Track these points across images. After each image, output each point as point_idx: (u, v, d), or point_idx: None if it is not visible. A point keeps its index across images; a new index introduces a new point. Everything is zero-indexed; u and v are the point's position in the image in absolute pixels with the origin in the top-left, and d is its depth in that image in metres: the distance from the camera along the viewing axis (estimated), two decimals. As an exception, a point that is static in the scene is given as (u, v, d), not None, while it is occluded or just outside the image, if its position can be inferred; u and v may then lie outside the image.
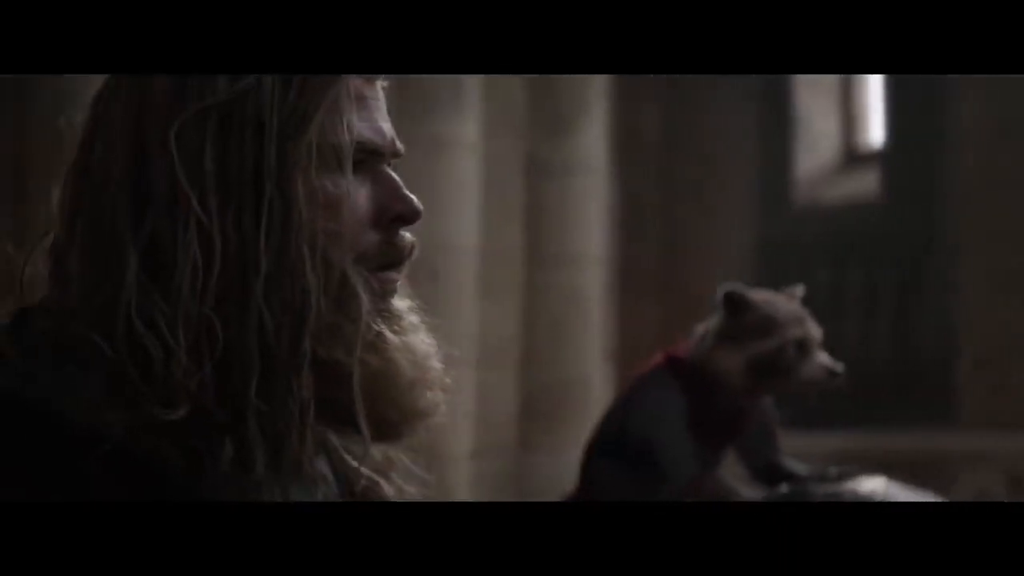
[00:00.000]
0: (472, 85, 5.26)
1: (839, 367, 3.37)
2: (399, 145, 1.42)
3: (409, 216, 1.39)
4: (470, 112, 5.25)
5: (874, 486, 3.26)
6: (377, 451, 1.50)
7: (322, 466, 1.45)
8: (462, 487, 5.26)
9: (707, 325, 3.47)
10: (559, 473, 4.18)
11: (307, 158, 1.31)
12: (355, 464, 1.47)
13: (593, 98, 6.26)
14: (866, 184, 12.32)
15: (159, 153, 1.29)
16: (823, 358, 3.38)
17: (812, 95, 12.70)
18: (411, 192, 1.41)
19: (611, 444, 3.42)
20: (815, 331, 3.40)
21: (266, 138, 1.30)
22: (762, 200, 12.45)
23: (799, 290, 3.48)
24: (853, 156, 13.12)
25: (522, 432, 5.87)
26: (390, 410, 1.37)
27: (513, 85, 5.93)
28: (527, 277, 6.06)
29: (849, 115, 13.11)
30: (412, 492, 1.56)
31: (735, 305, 3.36)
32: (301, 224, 1.31)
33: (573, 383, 5.29)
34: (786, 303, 3.43)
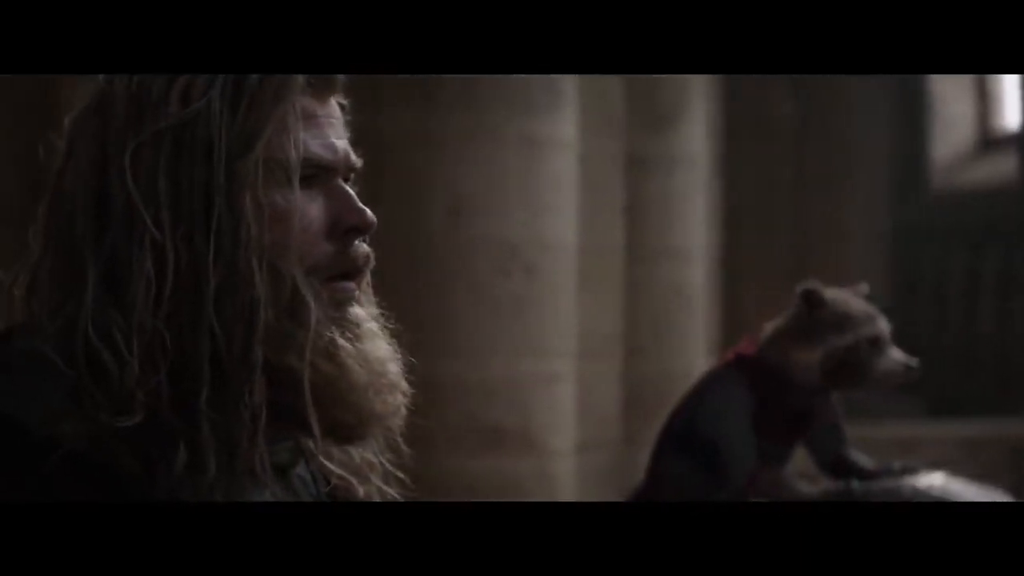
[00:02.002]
0: (568, 84, 5.28)
1: (914, 362, 3.38)
2: (354, 159, 1.49)
3: (362, 227, 1.46)
4: (566, 111, 5.28)
5: (932, 481, 3.28)
6: (355, 454, 1.57)
7: (301, 470, 1.52)
8: (567, 482, 5.30)
9: (776, 324, 3.50)
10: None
11: (255, 175, 1.39)
12: (331, 467, 1.54)
13: (693, 94, 6.27)
14: (1002, 168, 12.14)
15: (118, 175, 1.38)
16: (897, 353, 3.40)
17: (946, 80, 12.53)
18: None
19: (679, 441, 3.46)
20: (887, 327, 3.42)
21: (215, 157, 1.38)
22: (897, 186, 12.34)
23: (864, 287, 3.50)
24: (989, 140, 12.94)
25: (626, 427, 5.90)
26: (345, 413, 1.44)
27: (610, 83, 5.96)
28: (629, 272, 6.08)
29: (984, 99, 12.93)
30: (392, 494, 1.62)
31: (813, 302, 3.40)
32: (250, 238, 1.38)
33: (677, 377, 5.30)
34: (858, 301, 3.46)
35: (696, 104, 6.34)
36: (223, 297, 1.37)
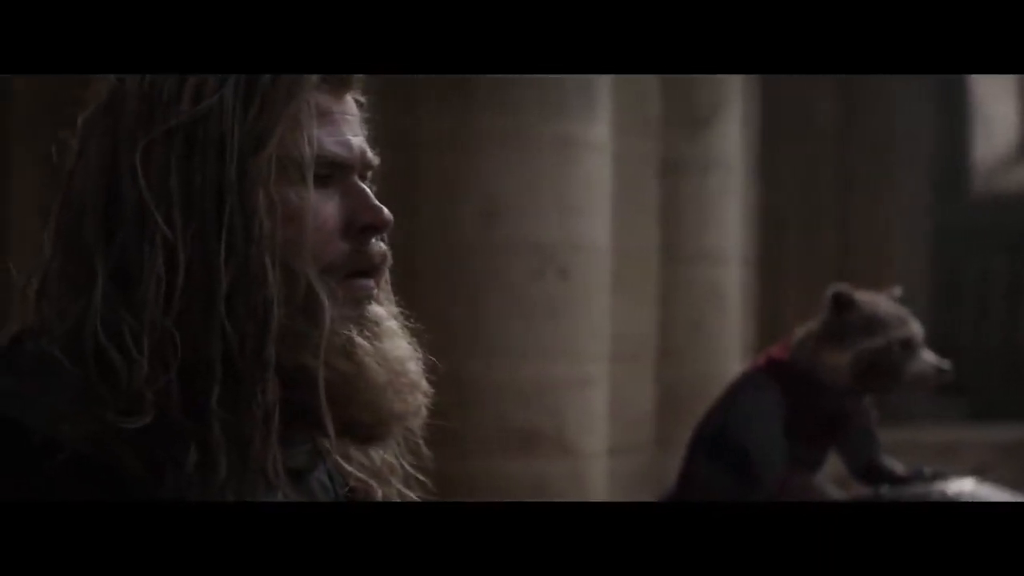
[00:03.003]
0: (603, 85, 5.27)
1: (946, 364, 3.36)
2: (371, 157, 1.47)
3: (378, 225, 1.44)
4: (601, 112, 5.26)
5: (962, 487, 3.25)
6: (375, 456, 1.55)
7: (321, 474, 1.51)
8: (599, 485, 5.28)
9: (807, 326, 3.48)
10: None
11: (267, 172, 1.37)
12: (349, 468, 1.53)
13: (730, 95, 6.24)
14: (1044, 171, 12.07)
15: (129, 173, 1.36)
16: (930, 356, 3.38)
17: (988, 81, 12.46)
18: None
19: (710, 444, 3.45)
20: (918, 330, 3.40)
21: (227, 154, 1.36)
22: (938, 188, 12.26)
23: (897, 291, 3.48)
24: (1030, 143, 12.85)
25: (659, 430, 5.88)
26: (363, 412, 1.42)
27: (646, 84, 5.94)
28: (664, 274, 6.05)
29: (1025, 101, 12.83)
30: (412, 497, 1.61)
31: (842, 304, 3.38)
32: (262, 236, 1.37)
33: (711, 380, 5.27)
34: (889, 303, 3.44)
35: (732, 105, 6.31)
36: (235, 296, 1.36)
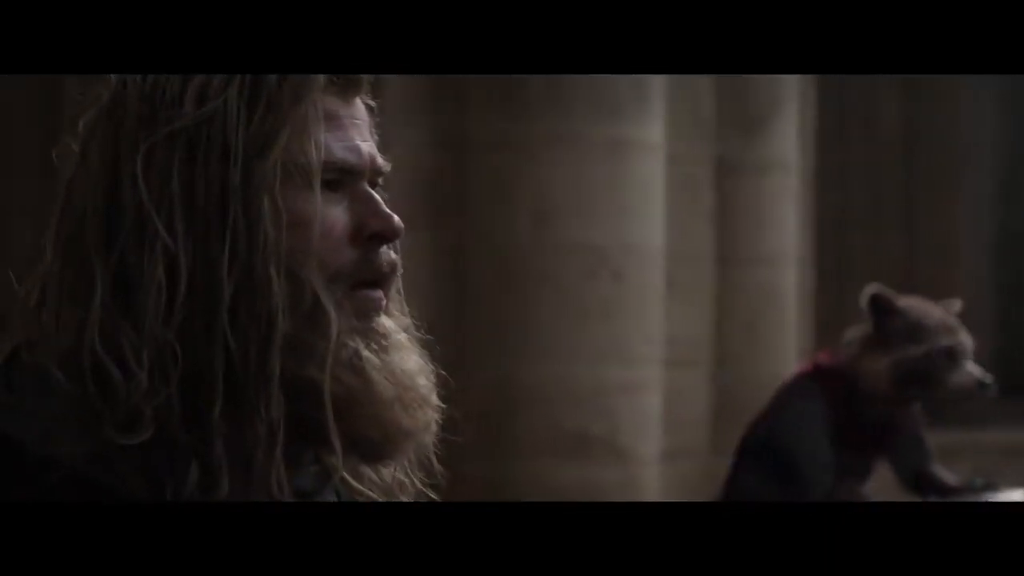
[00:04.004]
0: (656, 86, 5.22)
1: (988, 378, 3.30)
2: (381, 162, 1.42)
3: (387, 234, 1.39)
4: (655, 113, 5.21)
5: (1014, 497, 3.19)
6: (386, 473, 1.50)
7: (329, 495, 1.46)
8: (652, 491, 5.23)
9: (855, 331, 3.42)
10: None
11: (272, 178, 1.33)
12: (358, 486, 1.47)
13: (786, 96, 6.17)
14: (1112, 172, 11.90)
15: (129, 178, 1.32)
16: (973, 368, 3.32)
17: (1055, 82, 12.31)
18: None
19: (756, 453, 3.42)
20: (966, 341, 3.33)
21: (231, 159, 1.32)
22: (1006, 191, 12.12)
23: (957, 304, 3.41)
24: (1099, 144, 12.68)
25: (714, 435, 5.81)
26: (370, 428, 1.37)
27: (700, 85, 5.88)
28: (719, 277, 5.99)
29: (1094, 101, 12.67)
30: None
31: (880, 307, 3.32)
32: (267, 244, 1.32)
33: (766, 385, 5.19)
34: (938, 312, 3.38)
35: (789, 106, 6.23)
36: (238, 306, 1.31)
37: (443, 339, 4.38)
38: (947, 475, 3.48)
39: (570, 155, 5.08)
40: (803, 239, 6.61)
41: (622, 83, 5.10)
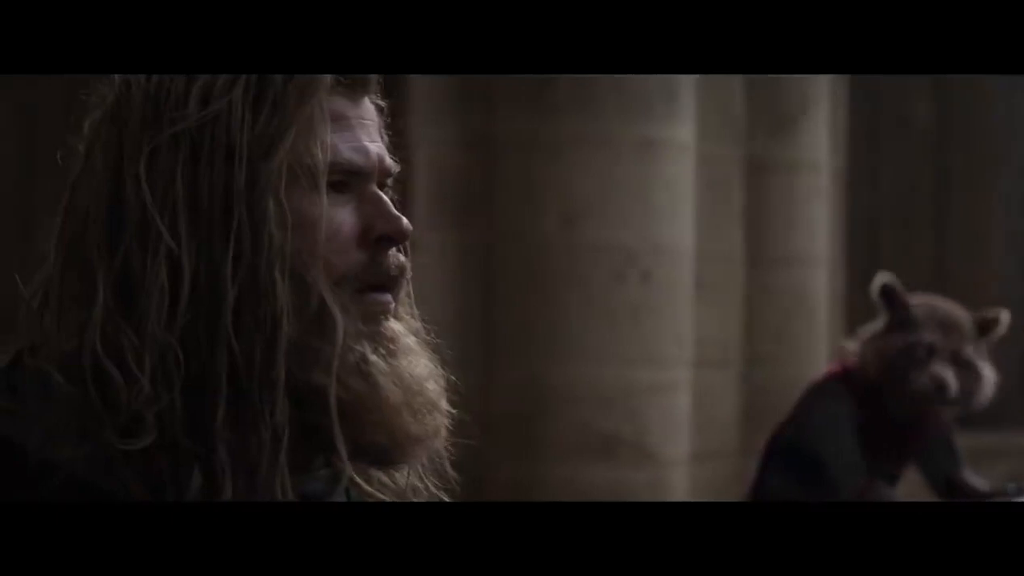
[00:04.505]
0: (685, 86, 5.18)
1: (953, 389, 3.22)
2: (389, 163, 1.39)
3: (396, 236, 1.36)
4: (684, 113, 5.18)
5: None
6: (398, 477, 1.48)
7: (338, 499, 1.44)
8: (681, 493, 5.20)
9: (868, 329, 3.40)
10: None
11: (278, 179, 1.31)
12: (370, 490, 1.45)
13: (817, 96, 6.13)
14: None
15: (132, 180, 1.30)
16: (941, 370, 3.25)
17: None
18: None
19: (784, 455, 3.39)
20: (958, 344, 3.26)
21: (235, 160, 1.30)
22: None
23: (1005, 316, 3.34)
24: None
25: (743, 437, 5.78)
26: (377, 434, 1.35)
27: (730, 84, 5.84)
28: (749, 278, 5.96)
29: None
30: None
31: (891, 297, 3.29)
32: (272, 247, 1.30)
33: (797, 387, 5.16)
34: (945, 310, 3.32)
35: (820, 105, 6.20)
36: (243, 309, 1.29)
37: (470, 340, 4.37)
38: (978, 481, 3.44)
39: (599, 155, 5.06)
40: (834, 239, 6.57)
41: (652, 82, 5.07)
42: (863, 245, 8.66)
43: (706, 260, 5.53)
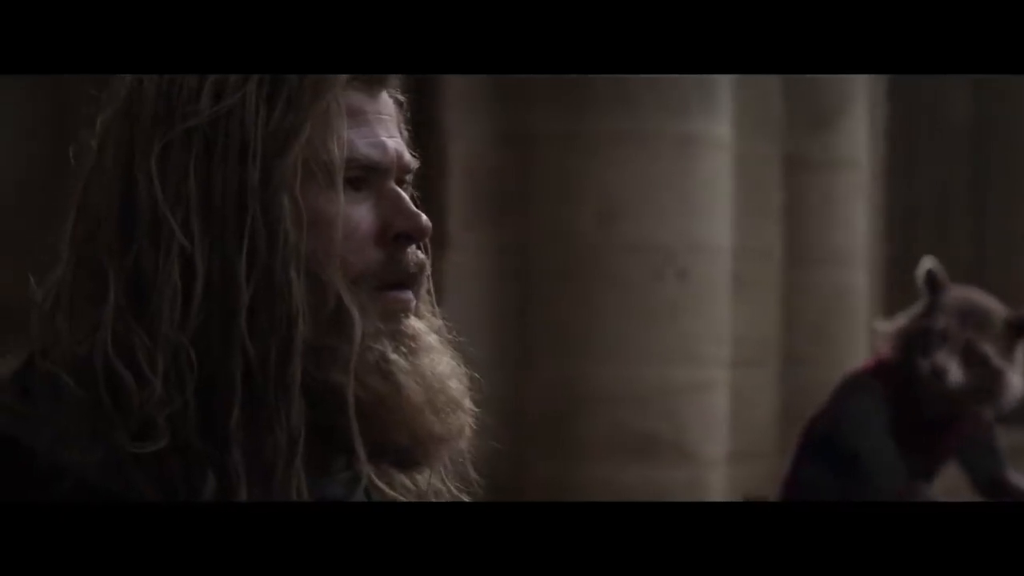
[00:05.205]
0: (723, 83, 5.15)
1: (951, 378, 3.17)
2: (408, 159, 1.36)
3: (413, 233, 1.33)
4: (722, 110, 5.14)
5: None
6: (421, 479, 1.45)
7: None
8: (719, 493, 5.17)
9: (887, 324, 3.38)
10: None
11: (293, 176, 1.27)
12: (392, 493, 1.42)
13: (855, 93, 6.09)
14: None
15: (144, 177, 1.27)
16: (946, 359, 3.21)
17: None
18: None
19: (818, 447, 3.36)
20: (974, 337, 3.21)
21: (250, 157, 1.27)
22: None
23: None
24: None
25: (782, 437, 5.73)
26: (399, 435, 1.32)
27: (768, 82, 5.80)
28: (787, 276, 5.92)
29: None
30: None
31: (931, 282, 3.27)
32: (287, 245, 1.27)
33: (835, 384, 5.13)
34: (977, 301, 3.28)
35: (858, 104, 6.15)
36: (257, 309, 1.26)
37: (506, 340, 4.35)
38: (1022, 480, 3.39)
39: (636, 152, 5.02)
40: (873, 237, 6.53)
41: (689, 79, 5.04)
42: (901, 243, 8.61)
43: (744, 258, 5.50)
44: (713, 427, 5.20)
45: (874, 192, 6.58)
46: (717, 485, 5.17)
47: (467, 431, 1.37)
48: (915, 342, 3.24)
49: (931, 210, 9.96)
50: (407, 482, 1.44)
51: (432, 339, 1.37)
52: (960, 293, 3.34)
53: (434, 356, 1.35)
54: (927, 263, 3.35)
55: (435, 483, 1.45)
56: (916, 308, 3.35)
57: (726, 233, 5.20)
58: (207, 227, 1.26)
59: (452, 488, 1.46)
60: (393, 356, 1.31)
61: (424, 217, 1.34)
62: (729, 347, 5.25)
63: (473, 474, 1.45)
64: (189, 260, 1.26)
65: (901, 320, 3.35)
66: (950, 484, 3.58)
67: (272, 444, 1.26)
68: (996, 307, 3.31)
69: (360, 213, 1.31)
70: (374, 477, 1.36)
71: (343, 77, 1.31)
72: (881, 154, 6.95)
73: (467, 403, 1.37)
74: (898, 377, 3.29)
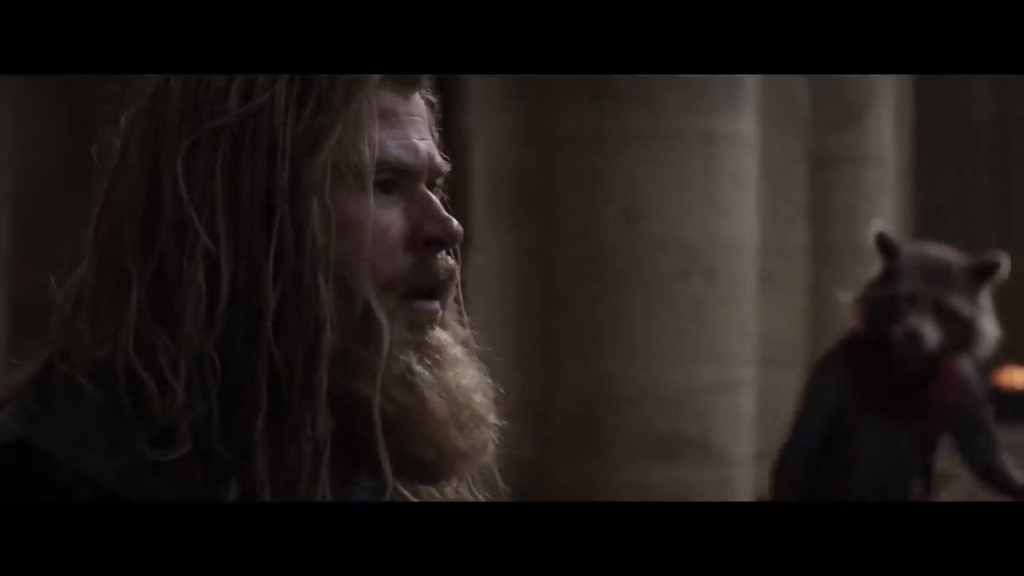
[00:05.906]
0: (748, 81, 5.11)
1: (928, 341, 3.15)
2: (439, 162, 1.32)
3: (444, 239, 1.29)
4: (747, 108, 5.11)
5: None
6: (449, 492, 1.41)
7: None
8: (746, 492, 5.14)
9: (848, 295, 3.39)
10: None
11: (322, 178, 1.24)
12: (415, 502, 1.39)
13: (881, 91, 6.06)
14: None
15: (169, 177, 1.24)
16: (917, 321, 3.17)
17: None
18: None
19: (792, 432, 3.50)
20: (942, 293, 3.18)
21: (278, 158, 1.23)
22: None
23: (1004, 260, 3.28)
24: None
25: (809, 436, 5.70)
26: (422, 449, 1.28)
27: (793, 80, 5.77)
28: (814, 274, 5.89)
29: None
30: None
31: (883, 245, 3.25)
32: (316, 249, 1.23)
33: (863, 384, 5.10)
34: (935, 256, 3.25)
35: (884, 102, 6.11)
36: (284, 315, 1.22)
37: (531, 341, 4.32)
38: (1017, 473, 3.38)
39: (661, 150, 5.00)
40: (898, 234, 6.49)
41: (714, 77, 5.00)
42: (927, 238, 8.58)
43: (770, 256, 5.47)
44: (740, 427, 5.17)
45: (899, 189, 6.53)
46: (744, 485, 5.15)
47: (491, 446, 1.34)
48: (882, 309, 3.21)
49: (956, 207, 9.93)
50: (433, 491, 1.41)
51: (457, 351, 1.33)
52: (914, 251, 3.32)
53: (459, 369, 1.31)
54: (877, 225, 3.33)
55: (462, 492, 1.42)
56: (874, 274, 3.34)
57: (752, 231, 5.17)
58: (233, 228, 1.23)
59: (479, 497, 1.43)
60: (419, 368, 1.27)
61: (455, 222, 1.30)
62: (755, 346, 5.22)
63: (501, 484, 1.42)
64: (214, 262, 1.22)
65: (862, 288, 3.35)
66: (952, 485, 3.57)
67: (297, 452, 1.22)
68: (954, 257, 3.30)
69: (390, 217, 1.27)
70: (399, 486, 1.33)
71: (375, 77, 1.27)
72: (906, 151, 6.91)
73: (491, 418, 1.33)
74: (868, 345, 3.27)
